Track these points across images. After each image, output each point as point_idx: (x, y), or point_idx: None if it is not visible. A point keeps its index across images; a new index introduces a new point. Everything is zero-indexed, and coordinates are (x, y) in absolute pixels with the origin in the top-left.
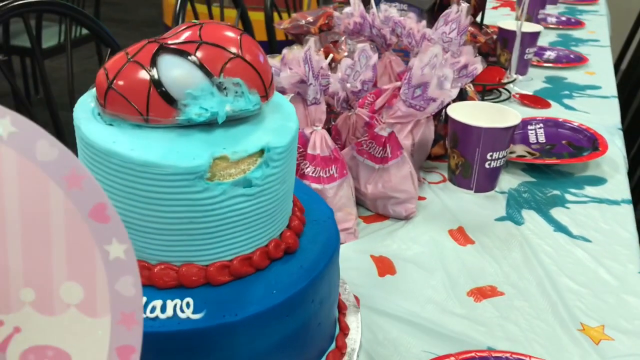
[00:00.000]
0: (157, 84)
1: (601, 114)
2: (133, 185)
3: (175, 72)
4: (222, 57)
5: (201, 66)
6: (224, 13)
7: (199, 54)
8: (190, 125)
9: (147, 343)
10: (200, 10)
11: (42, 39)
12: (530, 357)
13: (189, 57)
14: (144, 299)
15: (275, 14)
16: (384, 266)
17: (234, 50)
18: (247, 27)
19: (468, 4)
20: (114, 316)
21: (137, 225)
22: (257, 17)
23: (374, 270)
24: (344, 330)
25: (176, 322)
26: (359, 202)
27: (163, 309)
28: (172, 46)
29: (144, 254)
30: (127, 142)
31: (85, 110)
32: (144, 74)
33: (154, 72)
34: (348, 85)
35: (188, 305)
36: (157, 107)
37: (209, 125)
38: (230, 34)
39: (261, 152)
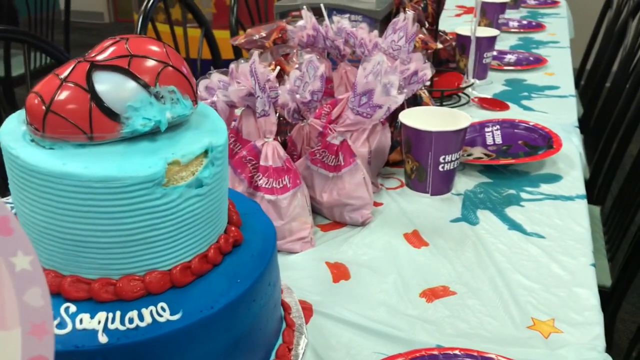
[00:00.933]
0: (97, 101)
1: (559, 113)
2: (91, 204)
3: (114, 87)
4: (155, 68)
5: (137, 78)
6: (187, 32)
7: (132, 67)
8: (133, 137)
9: (135, 353)
10: (162, 29)
11: (11, 67)
12: (478, 352)
13: (124, 71)
14: (118, 312)
15: (241, 32)
16: (339, 272)
17: (163, 60)
18: (212, 45)
19: (414, 12)
20: (24, 328)
21: (98, 242)
22: (222, 36)
23: (329, 277)
24: (291, 326)
25: (158, 327)
26: (316, 211)
27: (140, 318)
28: (104, 63)
29: (107, 271)
30: (77, 161)
31: (15, 138)
32: (82, 93)
33: (92, 89)
34: (298, 96)
35: (163, 309)
36: (100, 123)
37: (152, 134)
38: (155, 46)
39: (205, 152)
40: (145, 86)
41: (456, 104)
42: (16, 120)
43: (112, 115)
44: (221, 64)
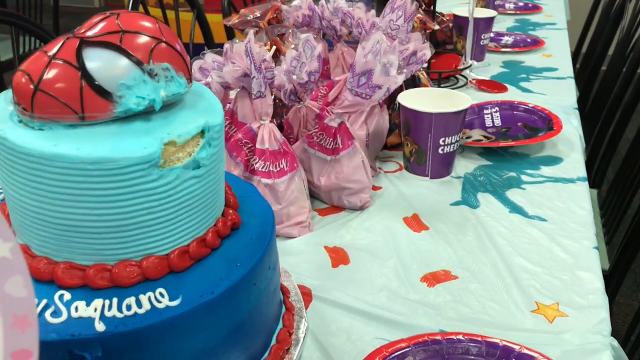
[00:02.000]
0: (88, 79)
1: (557, 95)
2: (84, 187)
3: (105, 64)
4: (148, 44)
5: (129, 55)
6: (179, 15)
7: (124, 43)
8: (126, 117)
9: (133, 340)
10: (154, 13)
11: None
12: (482, 337)
13: (116, 48)
14: (115, 299)
15: (234, 14)
16: (338, 257)
17: (156, 36)
18: (204, 29)
19: None
20: (5, 319)
21: (92, 227)
22: (216, 19)
23: (327, 262)
24: (291, 310)
25: (157, 313)
26: (314, 195)
27: (138, 304)
28: (95, 39)
29: (102, 256)
30: (69, 143)
31: (1, 119)
32: (72, 71)
33: (83, 67)
34: (294, 77)
35: (162, 295)
36: (92, 102)
37: (146, 114)
38: (147, 22)
39: (202, 132)
40: (139, 63)
41: (454, 86)
42: (2, 101)
43: (104, 93)
44: (214, 47)
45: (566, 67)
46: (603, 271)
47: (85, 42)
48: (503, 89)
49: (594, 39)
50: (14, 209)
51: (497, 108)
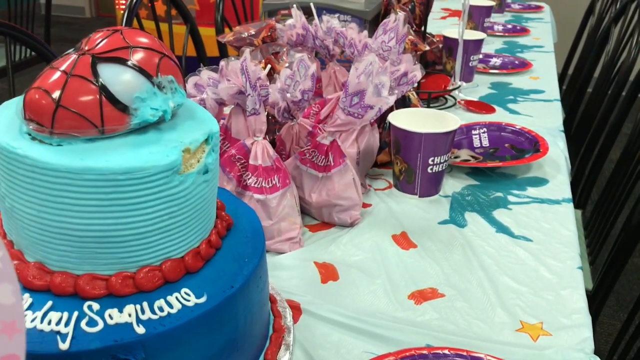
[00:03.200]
0: (107, 93)
1: (544, 117)
2: (112, 197)
3: (121, 79)
4: (154, 58)
5: (140, 69)
6: (172, 29)
7: (134, 58)
8: (138, 129)
9: (172, 339)
10: (148, 26)
11: None
12: (468, 351)
13: (128, 63)
14: (145, 303)
15: (227, 30)
16: (328, 272)
17: (160, 50)
18: (197, 42)
19: (404, 12)
20: None
21: (117, 236)
22: (209, 33)
23: (317, 277)
24: (274, 303)
25: (189, 311)
26: (305, 211)
27: (169, 305)
28: (107, 55)
29: (124, 265)
30: (94, 155)
31: (13, 137)
32: (90, 87)
33: (101, 83)
34: (288, 95)
35: (188, 294)
36: (110, 116)
37: (155, 124)
38: (145, 38)
39: (207, 140)
40: (149, 77)
41: (443, 106)
42: (1, 119)
43: (122, 107)
44: (206, 61)
45: (553, 90)
46: (587, 291)
47: (98, 58)
48: (491, 110)
49: (580, 61)
50: (28, 227)
51: (485, 129)
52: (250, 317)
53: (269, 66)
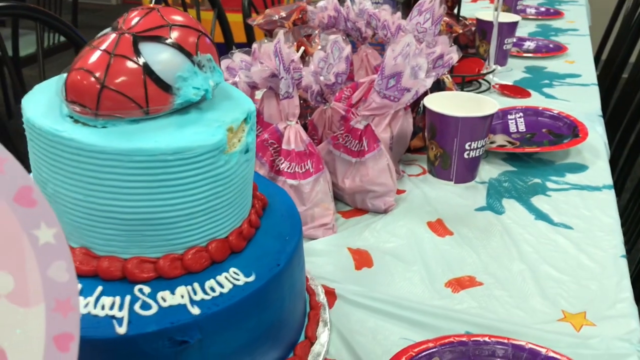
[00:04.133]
0: (150, 73)
1: (581, 102)
2: (162, 178)
3: (163, 58)
4: (193, 37)
5: (181, 48)
6: (200, 15)
7: (173, 36)
8: (179, 110)
9: (226, 318)
10: None
11: (19, 46)
12: (509, 339)
13: (168, 42)
14: (196, 284)
15: (254, 14)
16: (362, 259)
17: (197, 29)
18: (225, 28)
19: None
20: (48, 304)
21: (166, 217)
22: (234, 19)
23: (351, 264)
24: (312, 295)
25: (241, 290)
26: (337, 197)
27: (220, 285)
28: (147, 34)
29: (171, 246)
30: (142, 137)
31: (55, 121)
32: (135, 67)
33: (144, 62)
34: (321, 78)
35: (237, 273)
36: (155, 96)
37: (196, 104)
38: (181, 16)
39: (245, 119)
40: (189, 55)
41: (477, 90)
42: (39, 102)
43: (165, 87)
44: (234, 47)
45: (589, 74)
46: None
47: (139, 38)
48: (526, 94)
49: (615, 45)
50: (73, 212)
51: (521, 114)
52: (294, 294)
53: (302, 48)
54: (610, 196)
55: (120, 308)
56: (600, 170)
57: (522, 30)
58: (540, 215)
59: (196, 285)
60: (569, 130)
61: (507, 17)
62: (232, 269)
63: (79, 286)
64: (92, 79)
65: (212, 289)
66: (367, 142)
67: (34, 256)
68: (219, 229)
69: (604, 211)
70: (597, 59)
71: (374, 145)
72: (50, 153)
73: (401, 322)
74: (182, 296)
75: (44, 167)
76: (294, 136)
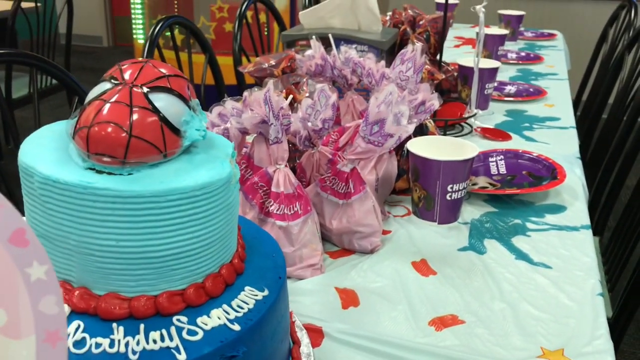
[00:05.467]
0: (165, 121)
1: (560, 144)
2: (191, 212)
3: (170, 105)
4: (184, 84)
5: (180, 95)
6: (192, 58)
7: (172, 85)
8: (184, 152)
9: (260, 330)
10: (168, 55)
11: (12, 89)
12: None
13: (170, 91)
14: (225, 305)
15: (244, 59)
16: (348, 298)
17: (183, 77)
18: (215, 71)
19: (422, 43)
20: (38, 335)
21: (192, 249)
22: (225, 62)
23: (338, 303)
24: (297, 343)
25: (263, 304)
26: (325, 238)
27: (245, 303)
28: (151, 85)
29: (194, 277)
30: (170, 178)
31: (79, 174)
32: (152, 116)
33: (157, 110)
34: (309, 124)
35: (252, 290)
36: (170, 141)
37: (192, 146)
38: (165, 68)
39: (232, 153)
40: (186, 101)
41: (459, 134)
42: (42, 156)
43: (176, 131)
44: (224, 89)
45: (568, 117)
46: (607, 319)
47: (150, 89)
48: (507, 137)
49: (594, 88)
50: (102, 260)
51: (502, 156)
52: (287, 314)
53: (290, 96)
54: (587, 236)
55: (171, 339)
56: (578, 211)
57: (503, 75)
58: (521, 255)
59: (225, 306)
60: (548, 172)
61: (488, 63)
62: (247, 288)
63: (122, 332)
64: (120, 130)
65: (240, 307)
66: (353, 185)
67: (26, 292)
68: (226, 254)
69: (581, 251)
70: (577, 100)
71: (360, 187)
72: (76, 205)
73: (387, 359)
74: (219, 317)
75: (66, 220)
76: (282, 179)
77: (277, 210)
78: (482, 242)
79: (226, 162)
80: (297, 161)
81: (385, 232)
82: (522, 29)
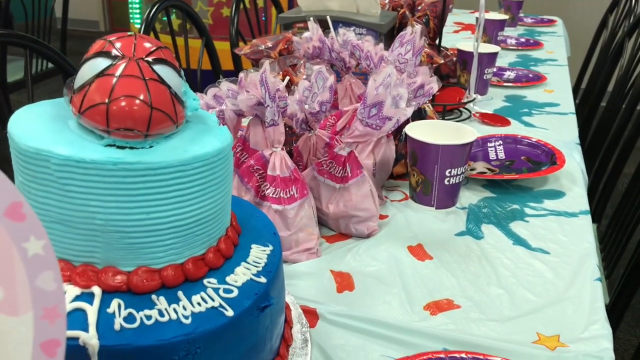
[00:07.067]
0: (173, 93)
1: (560, 130)
2: (210, 178)
3: (171, 77)
4: (172, 55)
5: (175, 67)
6: (188, 43)
7: (165, 57)
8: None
9: (276, 280)
10: (164, 40)
11: (7, 72)
12: (484, 355)
13: (167, 63)
14: (243, 263)
15: (241, 43)
16: (344, 282)
17: (166, 47)
18: (212, 56)
19: (421, 25)
20: (36, 312)
21: (211, 214)
22: (222, 47)
23: (333, 287)
24: (290, 323)
25: (272, 260)
26: (322, 222)
27: (256, 262)
28: (151, 57)
29: (213, 241)
30: (188, 146)
31: (102, 152)
32: (163, 88)
33: (165, 82)
34: (306, 106)
35: (263, 249)
36: (179, 111)
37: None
38: (148, 42)
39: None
40: (178, 72)
41: (458, 119)
42: (55, 141)
43: (181, 102)
44: (221, 74)
45: (568, 103)
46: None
47: (152, 62)
48: (506, 122)
49: (593, 75)
50: (132, 234)
51: (500, 141)
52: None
53: (287, 78)
54: (586, 222)
55: (212, 299)
56: (577, 197)
57: (503, 60)
58: (518, 241)
59: (244, 264)
60: (547, 158)
61: (488, 48)
62: (253, 245)
63: (164, 301)
64: (142, 103)
65: (257, 262)
66: (350, 169)
67: (23, 268)
68: (226, 223)
69: (580, 236)
70: (576, 87)
71: (357, 171)
72: (104, 183)
73: (382, 340)
74: (244, 274)
75: (92, 200)
76: (279, 162)
77: (273, 194)
78: (480, 227)
79: (224, 129)
80: (294, 144)
81: (382, 217)
82: (521, 15)
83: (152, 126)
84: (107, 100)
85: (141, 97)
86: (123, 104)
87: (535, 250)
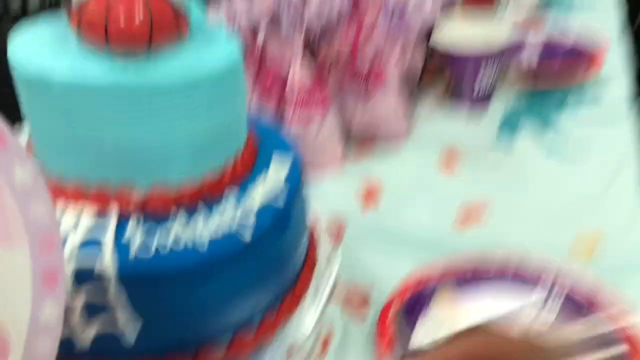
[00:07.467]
0: (172, 3)
1: (602, 13)
2: (222, 92)
3: None
4: None
5: None
6: None
7: None
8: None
9: (290, 211)
10: None
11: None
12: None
13: None
14: (272, 168)
15: None
16: (370, 195)
17: None
18: None
19: None
20: (31, 242)
21: (225, 128)
22: None
23: (359, 200)
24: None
25: (298, 178)
26: (347, 134)
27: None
28: None
29: (230, 153)
30: (202, 60)
31: (101, 76)
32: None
33: None
34: (325, 16)
35: (277, 195)
36: (182, 23)
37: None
38: None
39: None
40: None
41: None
42: (56, 65)
43: (183, 13)
44: None
45: None
46: None
47: None
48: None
49: None
50: (141, 152)
51: (535, 48)
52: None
53: None
54: (626, 128)
55: (229, 223)
56: (617, 102)
57: None
58: (553, 150)
59: (261, 186)
60: (585, 62)
61: None
62: (272, 166)
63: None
64: (140, 13)
65: (275, 184)
66: (375, 79)
67: (13, 197)
68: (241, 141)
69: (620, 144)
70: None
71: (383, 81)
72: (109, 106)
73: (411, 247)
74: (263, 195)
75: (100, 123)
76: (299, 77)
77: (293, 110)
78: (513, 137)
79: (234, 41)
80: (315, 57)
81: (409, 127)
82: None
83: (154, 37)
84: (104, 15)
85: (138, 7)
86: (120, 16)
87: (570, 161)
